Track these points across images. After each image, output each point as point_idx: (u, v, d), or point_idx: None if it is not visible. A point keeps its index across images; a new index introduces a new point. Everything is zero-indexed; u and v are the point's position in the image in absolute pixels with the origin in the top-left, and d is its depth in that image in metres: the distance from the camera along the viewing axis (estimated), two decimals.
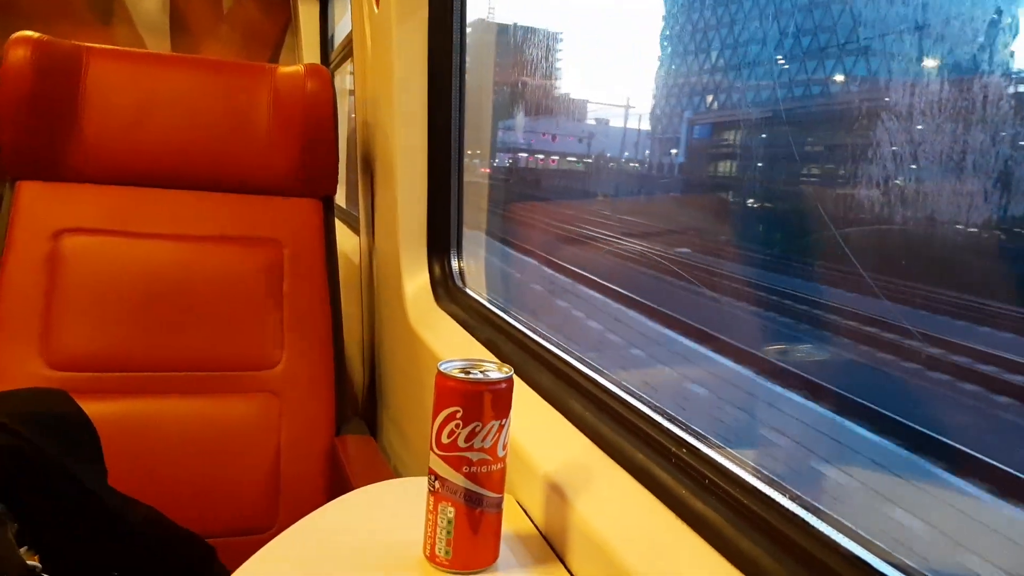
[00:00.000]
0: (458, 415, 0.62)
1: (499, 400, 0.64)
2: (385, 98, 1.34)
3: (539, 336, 0.98)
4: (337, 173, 1.46)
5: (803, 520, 0.52)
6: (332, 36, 2.86)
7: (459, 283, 1.29)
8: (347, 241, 1.93)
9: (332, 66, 2.61)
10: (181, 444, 1.27)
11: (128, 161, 1.35)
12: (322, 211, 1.45)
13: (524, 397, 0.88)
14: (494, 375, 0.64)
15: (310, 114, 1.40)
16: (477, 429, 0.62)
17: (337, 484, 1.29)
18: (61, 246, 1.29)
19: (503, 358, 0.97)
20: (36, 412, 0.98)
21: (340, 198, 2.84)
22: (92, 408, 1.03)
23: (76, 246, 1.30)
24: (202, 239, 1.36)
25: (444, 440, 0.63)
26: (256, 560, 0.65)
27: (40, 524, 0.91)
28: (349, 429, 1.43)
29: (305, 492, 1.30)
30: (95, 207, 1.33)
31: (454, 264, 1.31)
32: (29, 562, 0.86)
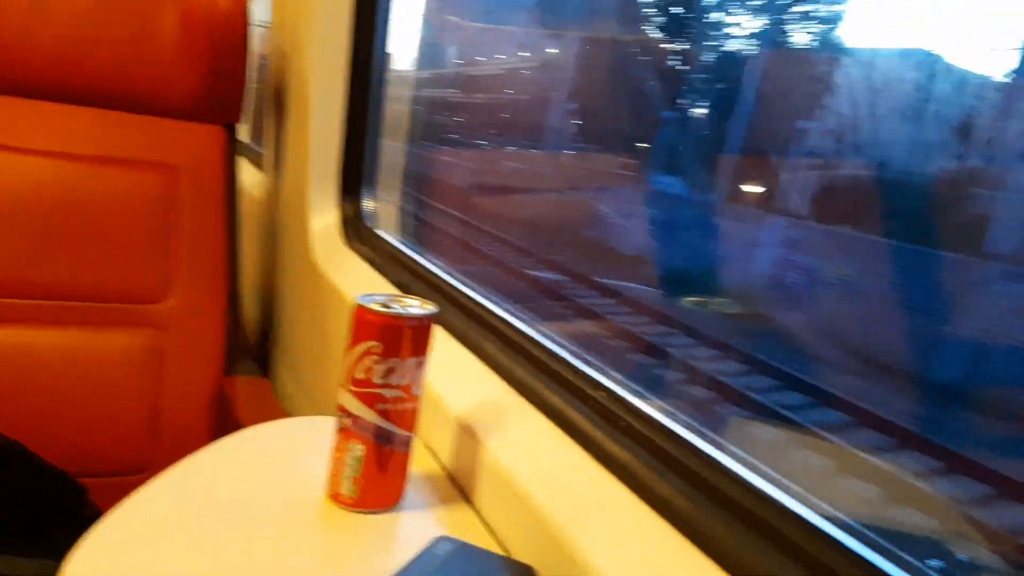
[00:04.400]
0: (376, 350, 0.59)
1: (420, 337, 0.61)
2: (304, 24, 1.26)
3: (454, 279, 0.96)
4: (243, 99, 1.37)
5: (718, 461, 0.53)
6: None
7: (370, 223, 1.25)
8: (250, 177, 1.83)
9: None
10: (50, 378, 1.17)
11: (15, 68, 1.22)
12: (224, 139, 1.36)
13: (437, 339, 0.85)
14: (416, 311, 0.61)
15: (221, 34, 1.30)
16: (395, 366, 0.60)
17: (226, 427, 1.23)
18: None
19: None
20: None
21: (244, 134, 2.68)
22: None
23: None
24: (91, 159, 1.24)
25: (358, 376, 0.60)
26: (135, 500, 0.60)
27: None
28: (241, 371, 1.37)
29: (189, 433, 1.23)
30: None
31: (366, 204, 1.26)
32: None
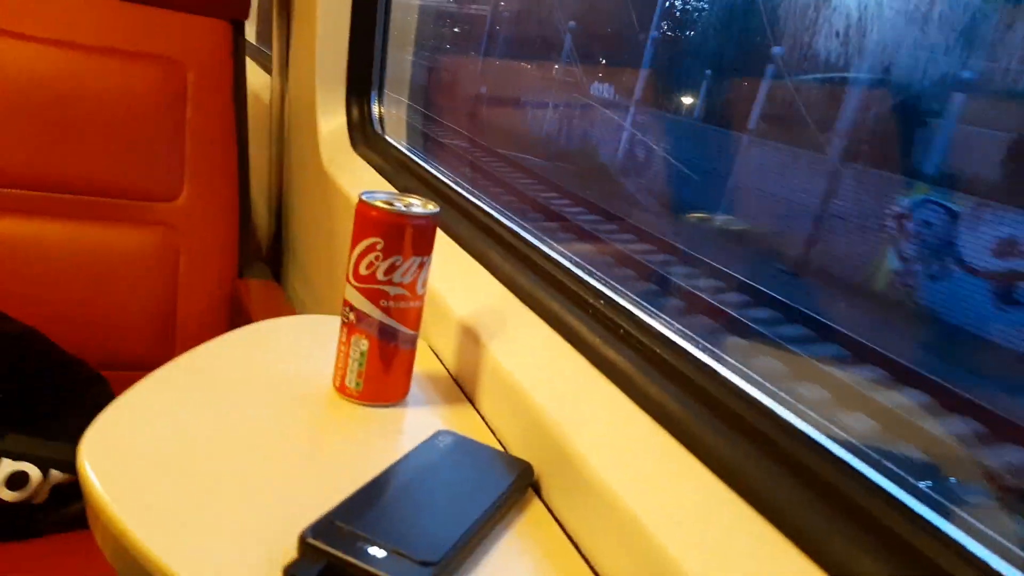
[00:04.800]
0: (378, 247, 0.60)
1: (422, 235, 0.62)
2: None
3: (459, 186, 0.96)
4: None
5: (711, 368, 0.54)
6: None
7: (378, 129, 1.23)
8: (257, 80, 1.80)
9: None
10: (70, 271, 1.19)
11: None
12: (232, 35, 1.34)
13: (443, 245, 0.86)
14: (418, 209, 0.62)
15: None
16: (397, 263, 0.61)
17: (238, 325, 1.25)
18: None
19: None
20: None
21: (251, 36, 2.62)
22: None
23: None
24: (96, 49, 1.22)
25: (362, 272, 0.61)
26: (145, 384, 0.62)
27: None
28: (252, 273, 1.38)
29: (204, 331, 1.26)
30: None
31: (375, 109, 1.25)
32: None
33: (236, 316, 1.28)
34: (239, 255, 1.34)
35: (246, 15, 1.35)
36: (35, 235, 1.17)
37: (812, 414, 0.49)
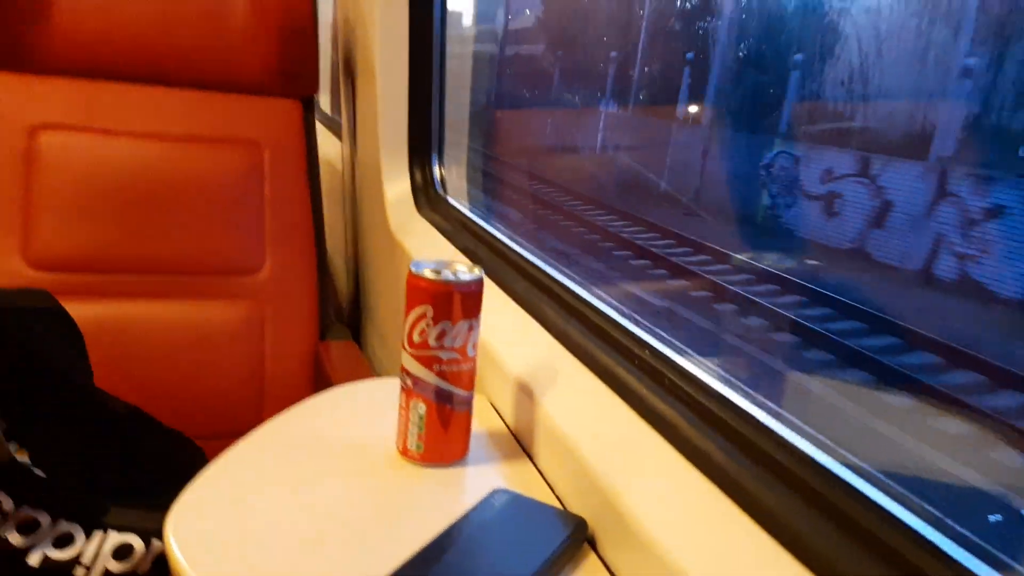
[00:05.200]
0: (428, 314, 0.63)
1: (469, 301, 0.65)
2: None
3: (514, 243, 0.99)
4: (317, 71, 1.42)
5: (755, 419, 0.55)
6: None
7: (440, 190, 1.29)
8: (331, 147, 1.90)
9: None
10: (164, 347, 1.28)
11: (102, 52, 1.31)
12: (303, 112, 1.43)
13: (498, 302, 0.89)
14: (464, 276, 0.65)
15: (289, 8, 1.35)
16: (447, 329, 0.64)
17: (321, 388, 1.31)
18: (38, 142, 1.27)
19: (479, 264, 0.98)
20: (19, 309, 0.99)
21: (325, 105, 2.77)
22: (73, 309, 1.04)
23: (53, 143, 1.27)
24: (181, 138, 1.33)
25: (415, 339, 0.64)
26: (230, 454, 0.67)
27: (28, 420, 0.93)
28: (333, 335, 1.45)
29: (289, 396, 1.32)
30: (70, 102, 1.30)
31: (435, 171, 1.30)
32: (18, 457, 0.89)
33: (319, 378, 1.34)
34: (320, 319, 1.41)
35: (315, 91, 1.44)
36: (133, 316, 1.27)
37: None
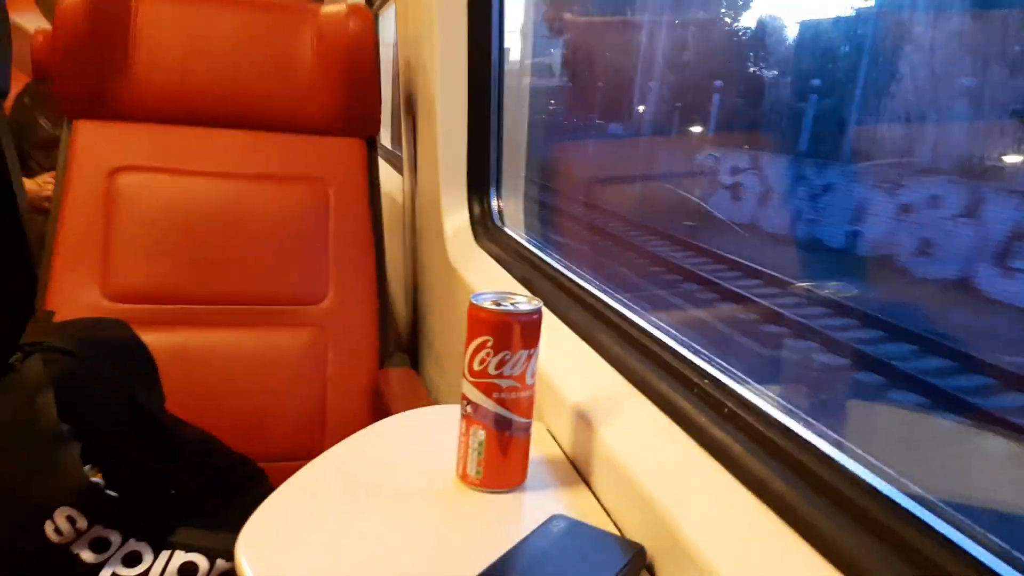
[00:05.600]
0: (489, 344, 0.65)
1: (528, 331, 0.66)
2: (427, 37, 1.34)
3: (571, 272, 1.00)
4: (379, 113, 1.48)
5: (816, 447, 0.54)
6: None
7: (498, 222, 1.31)
8: (391, 181, 1.96)
9: (376, 5, 2.60)
10: (232, 374, 1.33)
11: (178, 100, 1.39)
12: (365, 151, 1.48)
13: (556, 331, 0.90)
14: (523, 307, 0.66)
15: (352, 54, 1.41)
16: (507, 358, 0.65)
17: (380, 414, 1.35)
18: (117, 183, 1.34)
19: (537, 294, 1.00)
20: (97, 339, 1.04)
21: (386, 138, 2.86)
22: (147, 338, 1.09)
23: (131, 183, 1.35)
24: (250, 177, 1.40)
25: (476, 367, 0.66)
26: (297, 478, 0.70)
27: (102, 443, 0.98)
28: (392, 363, 1.48)
29: (350, 421, 1.36)
30: (147, 145, 1.38)
31: (493, 203, 1.33)
32: (92, 479, 0.93)
33: (378, 404, 1.37)
34: (380, 347, 1.44)
35: (377, 131, 1.49)
36: (203, 345, 1.33)
37: None
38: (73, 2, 1.30)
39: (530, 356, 0.67)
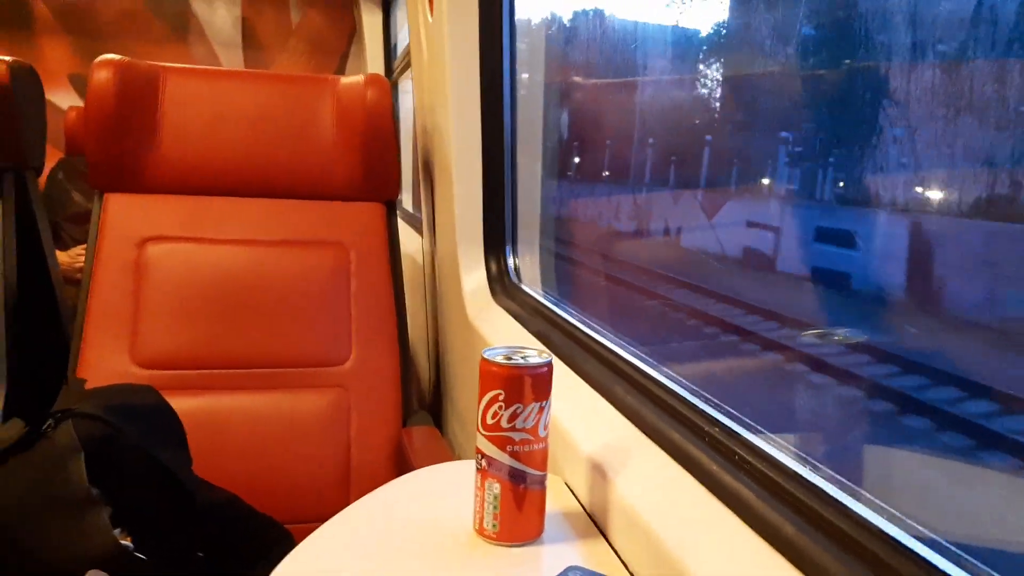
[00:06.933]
0: (500, 397, 0.67)
1: (539, 384, 0.68)
2: (441, 102, 1.40)
3: (585, 327, 1.02)
4: (399, 178, 1.53)
5: (830, 495, 0.55)
6: (395, 45, 2.95)
7: (515, 279, 1.34)
8: (411, 242, 2.00)
9: (395, 74, 2.70)
10: (258, 436, 1.35)
11: (203, 172, 1.45)
12: (385, 214, 1.53)
13: (570, 384, 0.92)
14: (533, 360, 0.68)
15: (371, 122, 1.47)
16: (519, 411, 0.67)
17: (404, 473, 1.35)
18: (145, 253, 1.39)
19: (553, 349, 1.01)
20: (126, 404, 1.07)
21: (407, 201, 2.93)
22: (175, 403, 1.12)
23: (159, 253, 1.40)
24: (273, 243, 1.44)
25: (489, 421, 0.68)
26: (317, 535, 0.71)
27: (131, 507, 1.00)
28: (415, 421, 1.49)
29: (375, 480, 1.36)
30: (174, 216, 1.43)
31: (510, 261, 1.36)
32: (122, 542, 0.95)
33: (402, 463, 1.37)
34: (403, 406, 1.46)
35: (396, 195, 1.54)
36: (229, 408, 1.35)
37: None
38: (104, 79, 1.38)
39: (542, 409, 0.68)
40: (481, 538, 0.70)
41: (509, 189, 1.35)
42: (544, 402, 0.68)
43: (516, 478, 0.68)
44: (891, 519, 0.51)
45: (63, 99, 2.89)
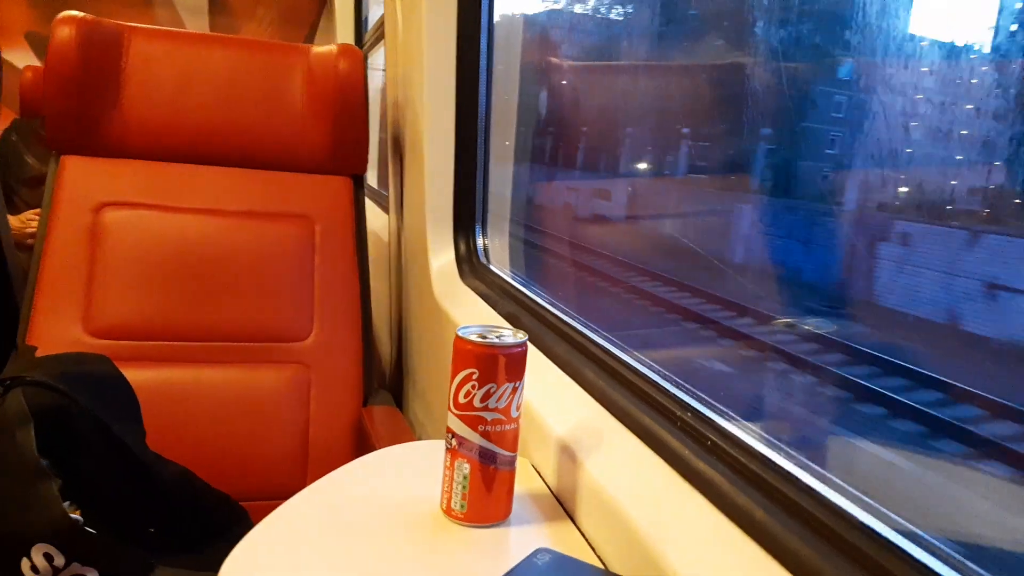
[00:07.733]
0: (474, 377, 0.66)
1: (513, 364, 0.67)
2: (415, 78, 1.37)
3: (556, 309, 1.01)
4: (367, 151, 1.50)
5: (796, 478, 0.55)
6: (366, 17, 2.90)
7: (483, 259, 1.33)
8: (377, 220, 1.97)
9: (366, 47, 2.65)
10: (214, 411, 1.32)
11: (166, 137, 1.40)
12: (352, 189, 1.50)
13: (540, 366, 0.91)
14: (509, 340, 0.67)
15: (342, 93, 1.44)
16: (492, 390, 0.66)
17: (363, 452, 1.33)
18: (102, 219, 1.35)
19: (522, 329, 1.00)
20: (79, 373, 1.04)
21: (372, 179, 2.89)
22: (129, 374, 1.09)
23: (116, 219, 1.35)
24: (236, 214, 1.40)
25: (461, 400, 0.67)
26: (277, 514, 0.69)
27: (82, 480, 0.96)
28: (376, 400, 1.47)
29: (332, 460, 1.34)
30: (135, 182, 1.38)
31: (479, 241, 1.35)
32: (72, 515, 0.92)
33: (362, 442, 1.36)
34: (364, 385, 1.44)
35: (364, 170, 1.51)
36: (185, 381, 1.32)
37: None
38: (67, 36, 1.32)
39: (515, 389, 0.67)
40: (448, 518, 0.69)
41: (481, 168, 1.33)
42: (518, 383, 0.67)
43: (486, 458, 0.67)
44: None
45: (19, 59, 2.78)
